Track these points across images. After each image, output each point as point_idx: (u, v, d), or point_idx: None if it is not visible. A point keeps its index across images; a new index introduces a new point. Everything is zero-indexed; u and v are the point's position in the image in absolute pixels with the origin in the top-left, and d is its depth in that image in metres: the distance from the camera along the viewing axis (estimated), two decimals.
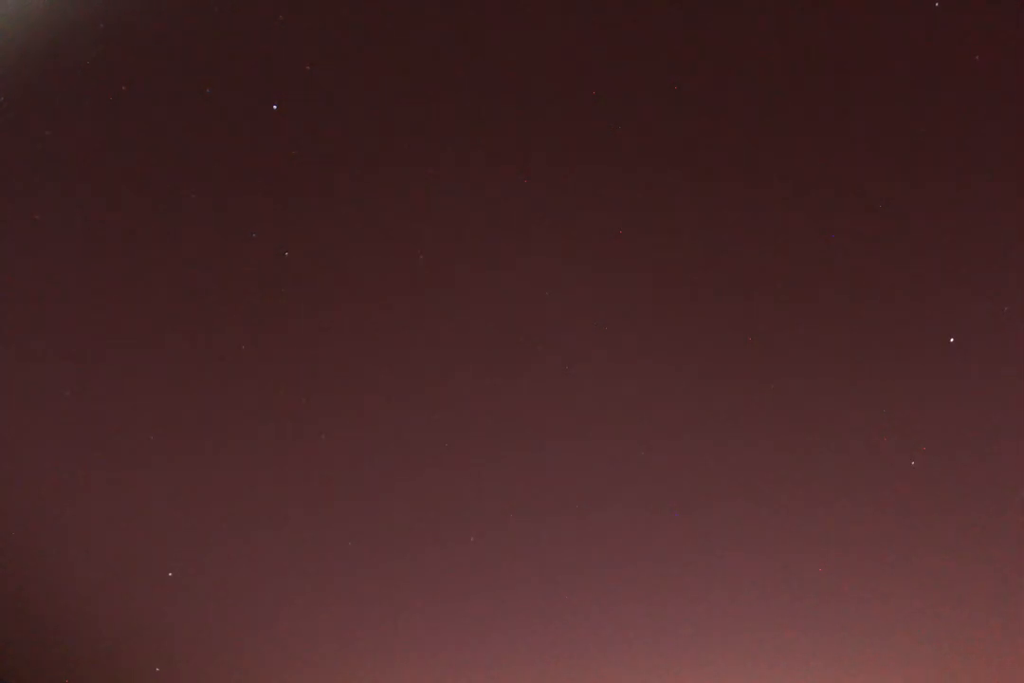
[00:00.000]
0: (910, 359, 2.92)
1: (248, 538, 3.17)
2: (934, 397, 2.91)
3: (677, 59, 2.97)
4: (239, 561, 3.17)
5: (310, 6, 3.11)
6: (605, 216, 3.02)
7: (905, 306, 2.92)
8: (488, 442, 3.08)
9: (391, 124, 3.10)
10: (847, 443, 2.94)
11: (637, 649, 3.03)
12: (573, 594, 3.05)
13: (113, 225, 3.21)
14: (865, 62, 2.89)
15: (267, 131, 3.14)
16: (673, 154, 2.99)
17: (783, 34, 2.92)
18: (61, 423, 3.22)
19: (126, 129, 3.19)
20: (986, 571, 2.90)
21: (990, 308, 2.88)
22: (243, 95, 3.14)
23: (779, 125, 2.94)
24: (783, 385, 2.96)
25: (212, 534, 3.18)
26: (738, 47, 2.94)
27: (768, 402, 2.97)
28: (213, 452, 3.17)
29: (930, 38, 2.86)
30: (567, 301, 3.05)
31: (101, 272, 3.21)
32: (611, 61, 3.00)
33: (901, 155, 2.90)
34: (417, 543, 3.11)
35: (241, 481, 3.17)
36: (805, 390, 2.96)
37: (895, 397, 2.92)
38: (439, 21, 3.06)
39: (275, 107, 3.13)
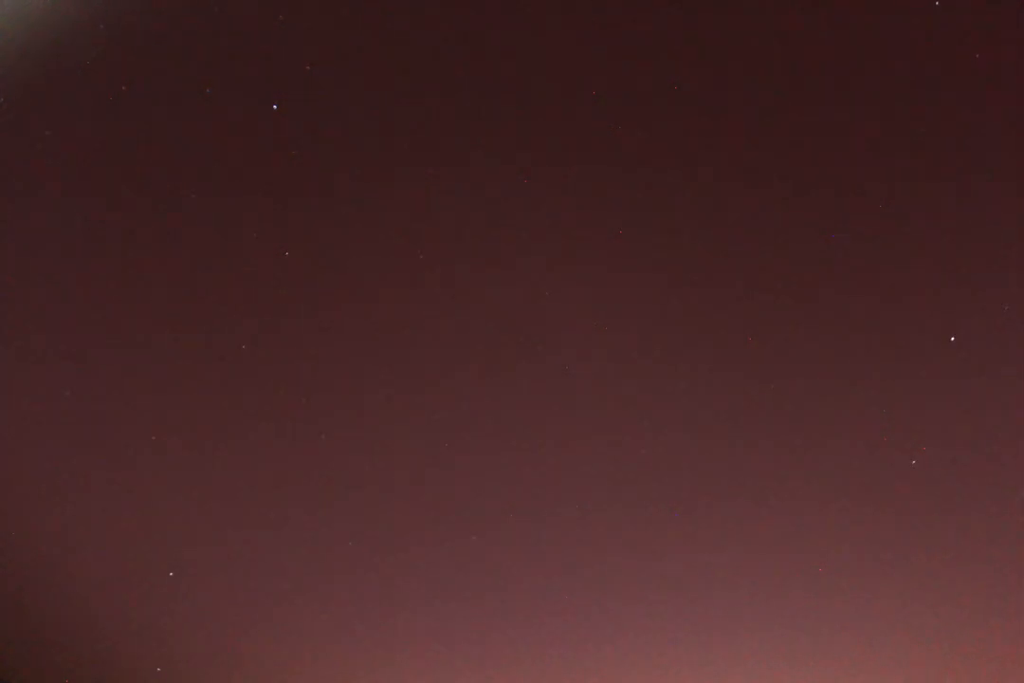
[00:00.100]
0: (910, 359, 2.92)
1: (249, 538, 3.17)
2: (934, 397, 2.91)
3: (677, 59, 2.97)
4: (240, 561, 3.17)
5: (310, 6, 3.11)
6: (605, 216, 3.03)
7: (905, 306, 2.92)
8: (488, 442, 3.08)
9: (391, 124, 3.10)
10: (847, 443, 2.95)
11: (637, 649, 3.03)
12: (573, 594, 3.05)
13: (113, 225, 3.21)
14: (865, 62, 2.89)
15: (267, 131, 3.14)
16: (673, 154, 2.99)
17: (783, 34, 2.92)
18: (61, 423, 3.22)
19: (126, 129, 3.19)
20: (986, 571, 2.90)
21: (990, 308, 2.88)
22: (243, 95, 3.15)
23: (779, 125, 2.94)
24: (783, 385, 2.97)
25: (212, 534, 3.18)
26: (738, 47, 2.94)
27: (768, 402, 2.97)
28: (213, 452, 3.18)
29: (930, 38, 2.86)
30: (567, 301, 3.05)
31: (101, 272, 3.21)
32: (611, 61, 3.00)
33: (901, 155, 2.90)
34: (417, 542, 3.11)
35: (241, 481, 3.17)
36: (805, 390, 2.96)
37: (895, 397, 2.93)
38: (439, 21, 3.06)
39: (275, 107, 3.13)
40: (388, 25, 3.09)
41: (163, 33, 3.17)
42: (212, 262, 3.18)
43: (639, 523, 3.02)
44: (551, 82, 3.02)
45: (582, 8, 3.00)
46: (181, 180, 3.18)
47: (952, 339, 2.89)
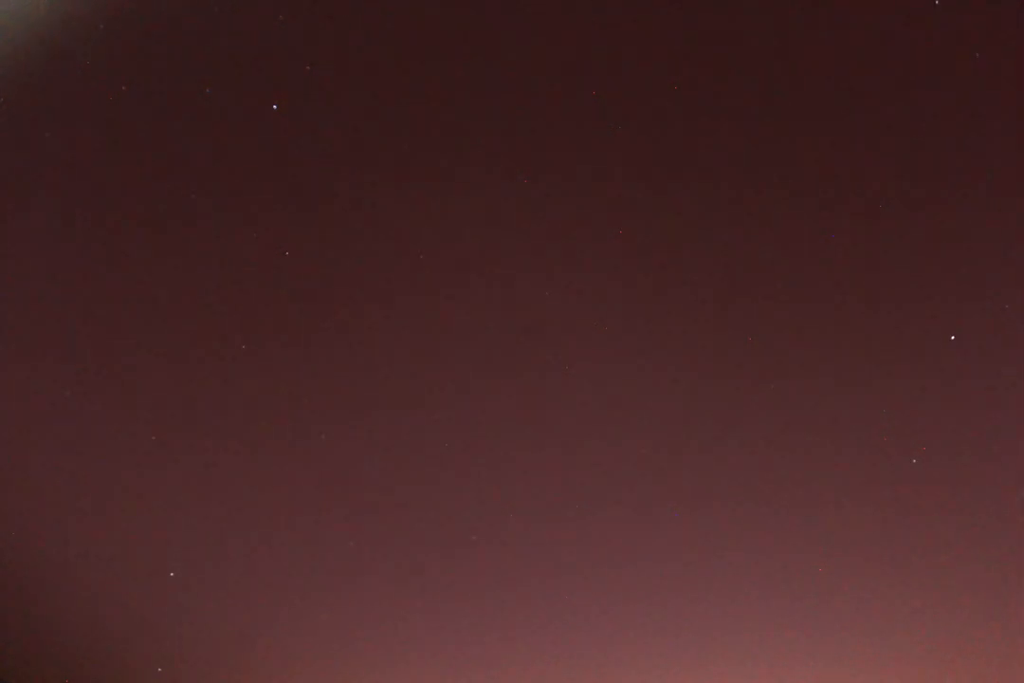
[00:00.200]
0: (910, 359, 2.92)
1: (249, 538, 3.17)
2: (934, 397, 2.91)
3: (677, 59, 2.97)
4: (240, 561, 3.17)
5: (310, 6, 3.11)
6: (605, 216, 3.03)
7: (905, 306, 2.92)
8: (488, 442, 3.08)
9: (391, 124, 3.10)
10: (847, 443, 2.94)
11: (637, 649, 3.03)
12: (573, 594, 3.05)
13: (113, 225, 3.21)
14: (865, 62, 2.89)
15: (267, 131, 3.14)
16: (673, 154, 2.99)
17: (783, 34, 2.92)
18: (61, 423, 3.22)
19: (126, 129, 3.20)
20: (986, 571, 2.90)
21: (990, 308, 2.88)
22: (243, 95, 3.15)
23: (779, 125, 2.94)
24: (783, 385, 2.97)
25: (213, 534, 3.18)
26: (738, 47, 2.94)
27: (768, 402, 2.97)
28: (213, 452, 3.18)
29: (930, 38, 2.86)
30: (567, 301, 3.05)
31: (101, 272, 3.21)
32: (611, 61, 3.00)
33: (901, 155, 2.90)
34: (418, 543, 3.11)
35: (242, 481, 3.17)
36: (805, 390, 2.96)
37: (895, 397, 2.93)
38: (439, 21, 3.06)
39: (275, 107, 3.13)
40: (388, 25, 3.09)
41: (163, 33, 3.17)
42: (212, 262, 3.18)
43: (639, 523, 3.02)
44: (551, 82, 3.03)
45: (582, 8, 3.00)
46: (181, 180, 3.18)
47: (952, 339, 2.89)
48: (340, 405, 3.13)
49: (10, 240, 3.24)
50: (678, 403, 3.01)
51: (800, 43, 2.91)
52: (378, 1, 3.09)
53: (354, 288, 3.13)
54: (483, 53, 3.05)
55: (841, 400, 2.94)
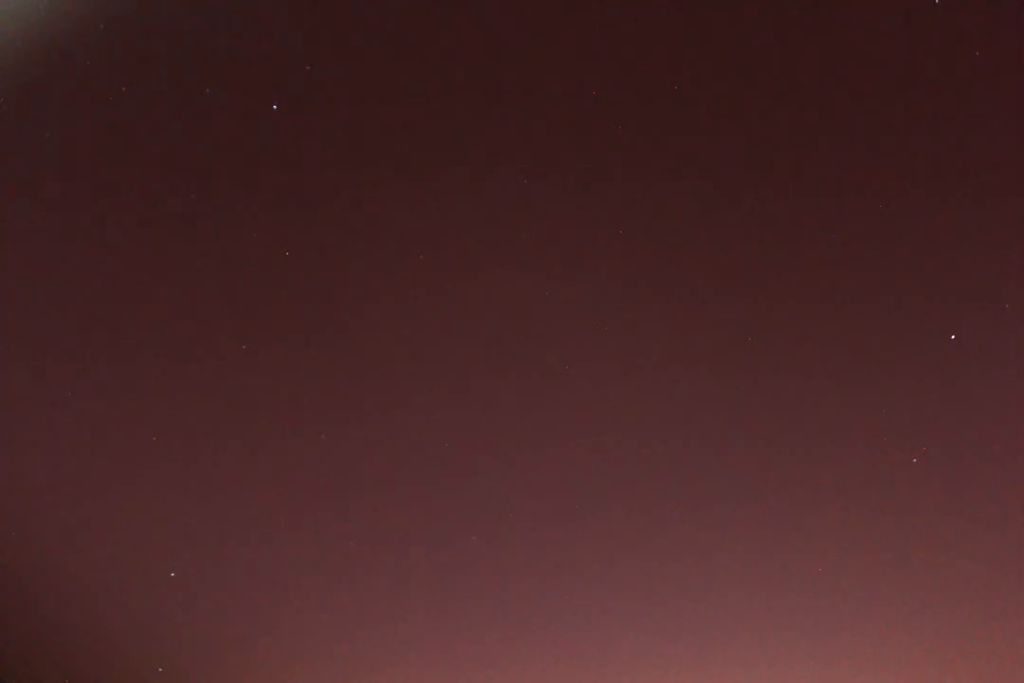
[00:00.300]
0: (910, 358, 2.92)
1: (250, 538, 3.17)
2: (934, 397, 2.91)
3: (677, 59, 2.97)
4: (240, 561, 3.17)
5: (310, 6, 3.11)
6: (605, 216, 3.03)
7: (905, 305, 2.92)
8: (488, 442, 3.08)
9: (391, 124, 3.10)
10: (847, 443, 2.94)
11: (637, 649, 3.03)
12: (573, 594, 3.05)
13: (113, 225, 3.21)
14: (865, 62, 2.89)
15: (267, 131, 3.14)
16: (673, 154, 2.99)
17: (783, 34, 2.92)
18: (61, 423, 3.22)
19: (126, 129, 3.20)
20: (986, 571, 2.90)
21: (990, 308, 2.88)
22: (243, 95, 3.15)
23: (779, 125, 2.94)
24: (783, 385, 2.96)
25: (214, 534, 3.18)
26: (738, 47, 2.94)
27: (768, 402, 2.97)
28: (214, 452, 3.18)
29: (930, 37, 2.86)
30: (567, 301, 3.05)
31: (101, 272, 3.21)
32: (611, 61, 3.00)
33: (901, 155, 2.90)
34: (418, 542, 3.11)
35: (242, 481, 3.17)
36: (805, 390, 2.96)
37: (895, 397, 2.92)
38: (439, 21, 3.06)
39: (275, 107, 3.13)
40: (388, 25, 3.09)
41: (163, 33, 3.17)
42: (212, 262, 3.18)
43: (639, 523, 3.02)
44: (551, 82, 3.03)
45: (582, 8, 3.00)
46: (181, 180, 3.18)
47: (952, 338, 2.89)
48: (340, 405, 3.13)
49: (10, 240, 3.24)
50: (678, 403, 3.01)
51: (800, 43, 2.91)
52: (378, 1, 3.09)
53: (354, 288, 3.13)
54: (483, 53, 3.05)
55: (841, 400, 2.94)
